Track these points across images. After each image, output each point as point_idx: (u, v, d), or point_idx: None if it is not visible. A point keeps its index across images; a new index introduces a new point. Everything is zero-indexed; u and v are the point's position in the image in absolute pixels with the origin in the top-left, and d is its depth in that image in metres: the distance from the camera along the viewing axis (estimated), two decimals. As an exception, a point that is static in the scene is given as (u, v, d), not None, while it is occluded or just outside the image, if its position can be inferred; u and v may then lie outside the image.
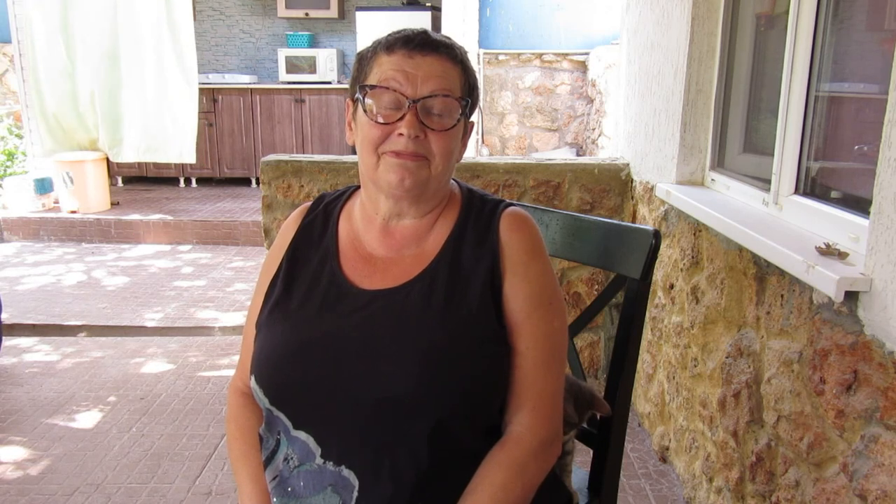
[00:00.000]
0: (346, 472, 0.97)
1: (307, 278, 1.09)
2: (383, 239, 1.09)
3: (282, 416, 1.02)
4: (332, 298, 1.06)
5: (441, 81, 1.01)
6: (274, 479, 1.04)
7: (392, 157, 1.01)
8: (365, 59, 1.06)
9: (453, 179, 1.13)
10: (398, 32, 1.04)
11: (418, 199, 1.05)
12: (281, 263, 1.12)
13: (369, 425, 0.97)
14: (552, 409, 1.05)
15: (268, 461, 1.06)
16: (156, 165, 6.81)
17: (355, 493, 0.96)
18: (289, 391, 1.01)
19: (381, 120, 1.01)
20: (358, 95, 1.04)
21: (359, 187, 1.15)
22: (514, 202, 1.12)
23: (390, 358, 0.98)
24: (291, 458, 1.02)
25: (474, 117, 1.10)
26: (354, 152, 1.13)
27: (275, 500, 1.03)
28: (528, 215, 1.09)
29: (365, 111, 1.02)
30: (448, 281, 1.03)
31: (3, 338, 3.31)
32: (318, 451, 0.99)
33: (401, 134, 0.99)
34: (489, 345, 1.01)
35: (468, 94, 1.05)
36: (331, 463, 0.98)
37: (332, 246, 1.11)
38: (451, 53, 1.03)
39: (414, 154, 1.00)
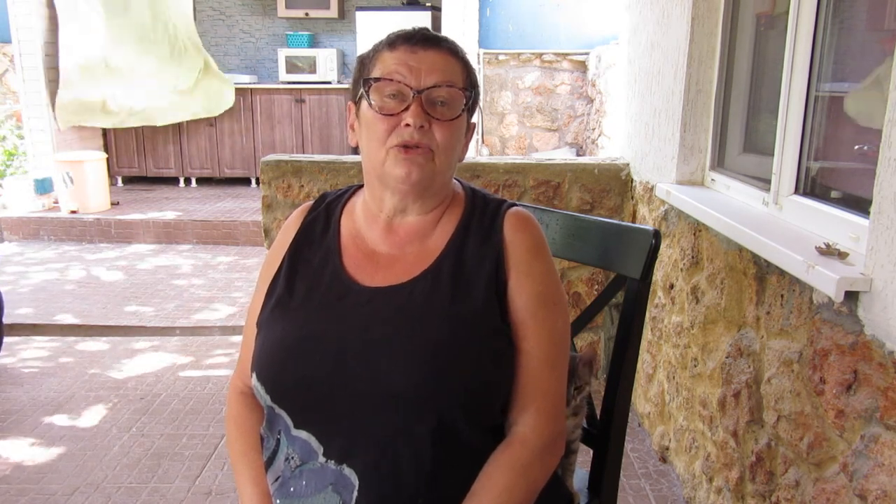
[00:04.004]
0: (346, 470, 0.97)
1: (309, 276, 1.09)
2: (386, 236, 1.09)
3: (283, 413, 1.02)
4: (334, 295, 1.06)
5: (444, 73, 1.02)
6: (276, 480, 1.04)
7: (400, 152, 1.01)
8: (367, 59, 1.07)
9: (456, 179, 1.14)
10: (398, 32, 1.05)
11: (423, 194, 1.06)
12: (282, 262, 1.12)
13: (371, 423, 0.97)
14: (556, 409, 1.05)
15: (269, 462, 1.06)
16: (156, 165, 6.82)
17: (355, 493, 0.96)
18: (290, 388, 1.01)
19: (386, 112, 1.01)
20: (362, 91, 1.04)
21: (361, 186, 1.15)
22: (518, 202, 1.13)
23: (393, 355, 0.98)
24: (292, 458, 1.01)
25: (474, 118, 1.11)
26: (355, 152, 1.13)
27: (277, 501, 1.02)
28: (531, 215, 1.10)
29: (370, 105, 1.03)
30: (452, 278, 1.03)
31: (3, 337, 3.30)
32: (320, 449, 0.99)
33: (407, 124, 1.00)
34: (493, 342, 1.02)
35: (470, 87, 1.06)
36: (332, 462, 0.98)
37: (334, 243, 1.11)
38: (452, 48, 1.05)
39: (419, 145, 1.01)
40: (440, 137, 1.02)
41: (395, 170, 1.02)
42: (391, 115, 1.01)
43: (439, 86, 1.01)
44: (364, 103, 1.04)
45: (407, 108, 1.00)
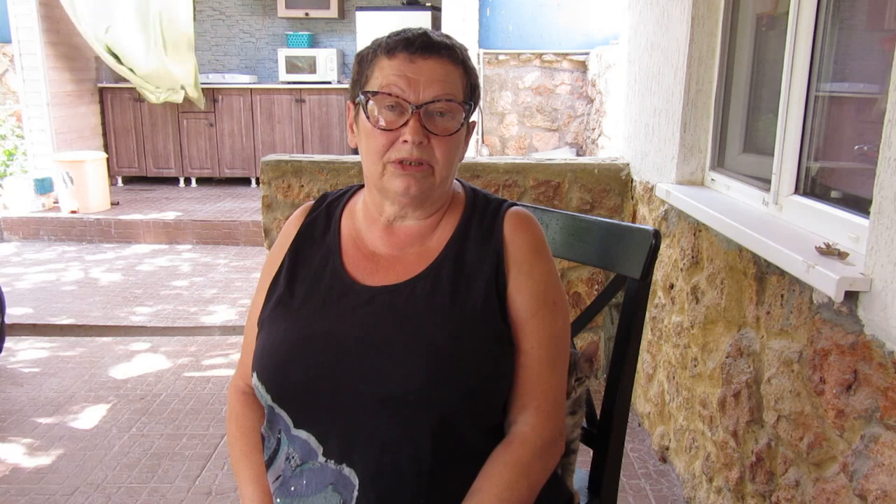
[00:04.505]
0: (346, 470, 0.97)
1: (309, 276, 1.09)
2: (386, 237, 1.09)
3: (283, 413, 1.02)
4: (334, 295, 1.06)
5: (443, 86, 1.00)
6: (276, 479, 1.04)
7: (397, 168, 1.00)
8: (365, 62, 1.05)
9: (457, 179, 1.14)
10: (398, 34, 1.03)
11: (423, 203, 1.06)
12: (283, 261, 1.12)
13: (371, 423, 0.97)
14: (556, 408, 1.05)
15: (269, 461, 1.06)
16: (156, 165, 6.82)
17: (355, 493, 0.96)
18: (291, 388, 1.01)
19: (384, 125, 1.00)
20: (360, 100, 1.04)
21: (361, 186, 1.16)
22: (518, 202, 1.13)
23: (393, 355, 0.98)
24: (293, 458, 1.02)
25: (475, 116, 1.11)
26: (355, 152, 1.13)
27: (278, 500, 1.03)
28: (531, 215, 1.10)
29: (367, 117, 1.02)
30: (452, 278, 1.04)
31: (5, 337, 3.30)
32: (319, 449, 0.99)
33: (405, 141, 0.99)
34: (493, 343, 1.02)
35: (470, 95, 1.05)
36: (332, 461, 0.98)
37: (335, 243, 1.11)
38: (451, 55, 1.03)
39: (419, 162, 1.00)
40: (439, 153, 1.01)
41: (394, 184, 1.01)
42: (389, 129, 1.00)
43: (438, 100, 1.00)
44: (362, 112, 1.04)
45: (406, 123, 0.99)
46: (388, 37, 1.04)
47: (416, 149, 0.99)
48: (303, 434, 1.00)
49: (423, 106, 0.99)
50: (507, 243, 1.06)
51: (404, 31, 1.04)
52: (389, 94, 1.00)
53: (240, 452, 1.09)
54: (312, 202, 1.18)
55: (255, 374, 1.04)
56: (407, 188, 1.01)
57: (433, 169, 1.02)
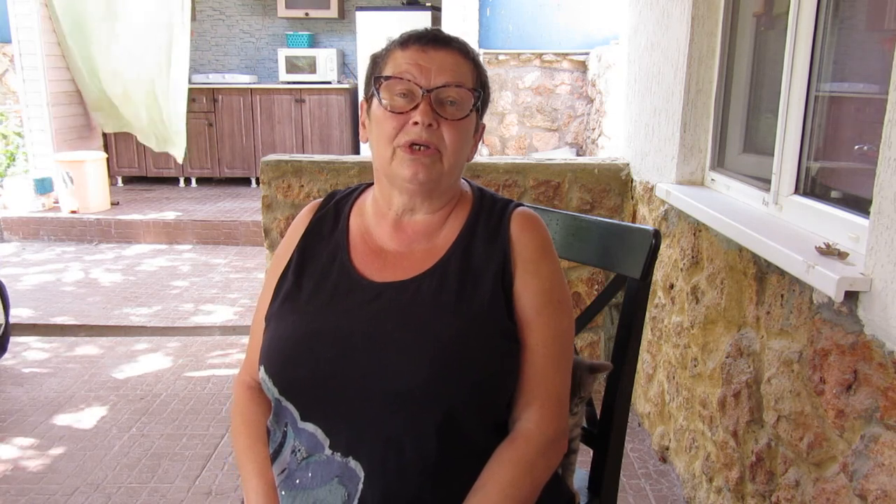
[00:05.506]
0: (352, 463, 0.98)
1: (317, 271, 1.10)
2: (394, 233, 1.10)
3: (290, 406, 1.03)
4: (342, 290, 1.07)
5: (454, 74, 1.03)
6: (282, 472, 1.04)
7: (406, 152, 1.02)
8: (379, 58, 1.09)
9: (464, 179, 1.15)
10: (410, 31, 1.07)
11: (430, 193, 1.07)
12: (291, 257, 1.13)
13: (378, 417, 0.98)
14: (560, 406, 1.06)
15: (275, 454, 1.06)
16: (156, 165, 6.82)
17: (360, 486, 0.97)
18: (298, 381, 1.02)
19: (395, 110, 1.03)
20: (373, 88, 1.06)
21: (370, 184, 1.17)
22: (524, 203, 1.14)
23: (400, 351, 0.99)
24: (299, 450, 1.02)
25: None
26: (356, 152, 1.14)
27: (283, 493, 1.03)
28: (538, 216, 1.12)
29: (380, 102, 1.04)
30: (459, 276, 1.05)
31: (10, 337, 3.30)
32: (326, 442, 1.00)
33: (415, 123, 1.01)
34: (499, 340, 1.03)
35: (480, 86, 1.07)
36: (339, 454, 0.99)
37: (343, 240, 1.12)
38: (462, 49, 1.07)
39: (427, 144, 1.01)
40: (448, 137, 1.03)
41: (402, 170, 1.03)
42: (400, 113, 1.02)
43: (448, 85, 1.03)
44: (374, 101, 1.06)
45: (416, 107, 1.02)
46: (401, 34, 1.08)
47: (426, 131, 1.01)
48: (310, 427, 1.01)
49: (434, 91, 1.02)
50: (513, 243, 1.07)
51: (416, 29, 1.08)
52: (401, 79, 1.02)
53: (244, 446, 1.10)
54: (321, 200, 1.20)
55: (262, 368, 1.05)
56: (415, 174, 1.02)
57: (441, 154, 1.03)
